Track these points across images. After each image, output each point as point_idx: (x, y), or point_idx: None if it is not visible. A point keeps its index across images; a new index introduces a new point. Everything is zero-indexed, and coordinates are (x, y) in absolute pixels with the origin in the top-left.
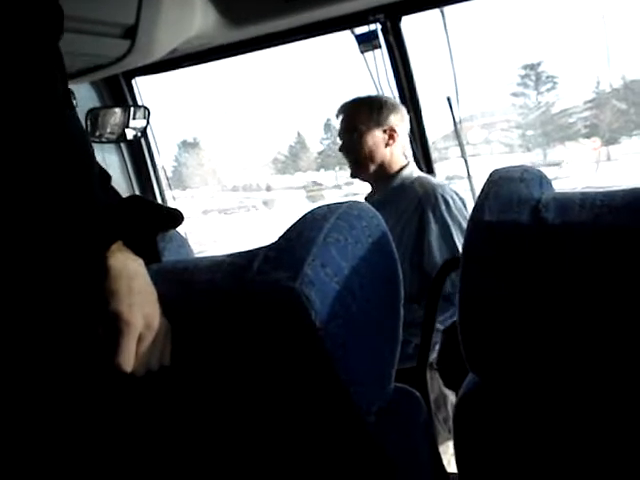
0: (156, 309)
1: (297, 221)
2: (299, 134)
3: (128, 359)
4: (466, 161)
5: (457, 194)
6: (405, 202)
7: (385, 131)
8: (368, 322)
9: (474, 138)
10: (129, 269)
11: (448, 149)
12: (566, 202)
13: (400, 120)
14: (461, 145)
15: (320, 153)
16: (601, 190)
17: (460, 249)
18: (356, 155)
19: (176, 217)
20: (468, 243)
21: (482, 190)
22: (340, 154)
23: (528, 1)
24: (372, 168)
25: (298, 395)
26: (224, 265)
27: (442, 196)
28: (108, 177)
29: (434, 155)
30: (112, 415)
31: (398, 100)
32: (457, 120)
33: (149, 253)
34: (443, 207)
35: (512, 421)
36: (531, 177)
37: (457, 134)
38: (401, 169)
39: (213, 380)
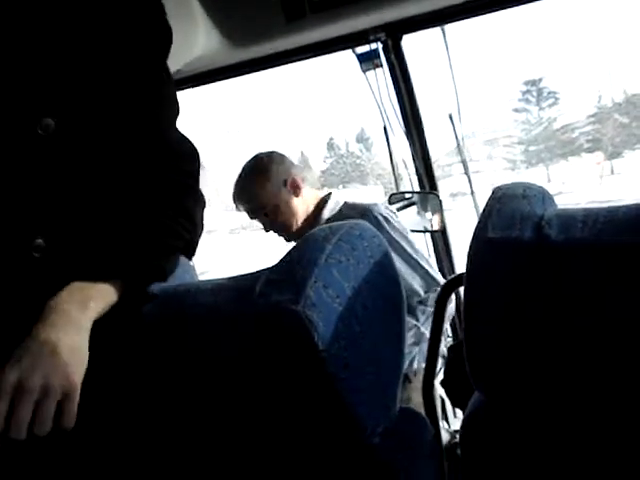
0: (42, 368)
1: (299, 243)
2: (302, 153)
3: None
4: (469, 178)
5: (389, 209)
6: None
7: (285, 185)
8: (371, 342)
9: (477, 154)
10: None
11: (451, 166)
12: (569, 219)
13: (284, 162)
14: (464, 162)
15: (323, 172)
16: (603, 206)
17: (416, 257)
18: (285, 229)
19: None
20: (472, 260)
21: (485, 207)
22: (344, 172)
23: (529, 17)
24: (301, 223)
25: (302, 417)
26: (226, 288)
27: (380, 214)
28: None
29: (437, 172)
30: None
31: (400, 118)
32: (460, 137)
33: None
34: (385, 225)
35: (519, 439)
36: (533, 194)
37: (460, 151)
38: (323, 201)
39: (215, 403)
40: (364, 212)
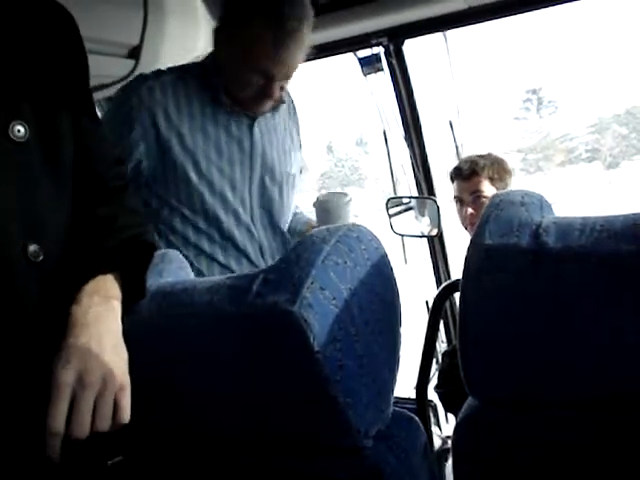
0: (98, 364)
1: (297, 244)
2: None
3: (55, 420)
4: None
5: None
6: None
7: None
8: (367, 345)
9: None
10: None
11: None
12: (566, 226)
13: None
14: None
15: (322, 175)
16: (601, 215)
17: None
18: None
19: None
20: (468, 266)
21: (483, 213)
22: (342, 175)
23: (531, 26)
24: None
25: (296, 417)
26: (223, 287)
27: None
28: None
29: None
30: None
31: (400, 123)
32: (459, 143)
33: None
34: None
35: (512, 446)
36: (532, 201)
37: (459, 157)
38: None
39: (209, 401)
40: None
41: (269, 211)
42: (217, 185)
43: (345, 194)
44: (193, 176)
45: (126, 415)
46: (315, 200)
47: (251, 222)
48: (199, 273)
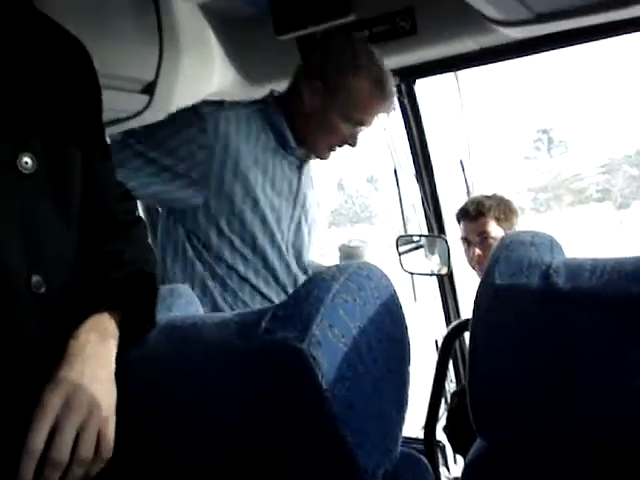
0: (86, 394)
1: (306, 281)
2: None
3: (34, 438)
4: None
5: None
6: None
7: None
8: (375, 383)
9: None
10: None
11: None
12: (576, 267)
13: None
14: None
15: (332, 212)
16: (612, 257)
17: None
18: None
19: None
20: (478, 305)
21: (493, 254)
22: (352, 212)
23: (541, 67)
24: None
25: (303, 456)
26: (232, 322)
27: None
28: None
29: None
30: None
31: (411, 161)
32: (470, 182)
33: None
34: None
35: None
36: (542, 241)
37: (469, 196)
38: None
39: (218, 438)
40: None
41: (299, 250)
42: (268, 221)
43: (366, 242)
44: (248, 210)
45: (109, 447)
46: (341, 245)
47: (288, 258)
48: (244, 303)
